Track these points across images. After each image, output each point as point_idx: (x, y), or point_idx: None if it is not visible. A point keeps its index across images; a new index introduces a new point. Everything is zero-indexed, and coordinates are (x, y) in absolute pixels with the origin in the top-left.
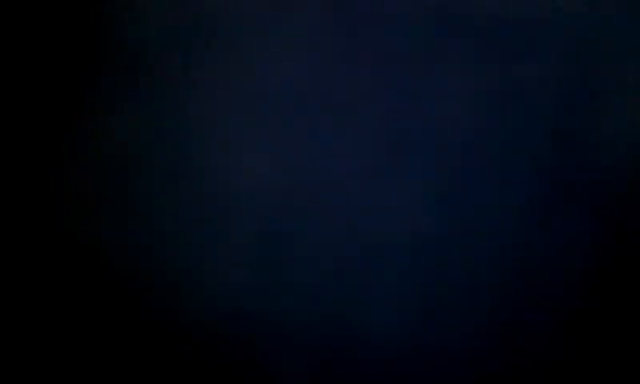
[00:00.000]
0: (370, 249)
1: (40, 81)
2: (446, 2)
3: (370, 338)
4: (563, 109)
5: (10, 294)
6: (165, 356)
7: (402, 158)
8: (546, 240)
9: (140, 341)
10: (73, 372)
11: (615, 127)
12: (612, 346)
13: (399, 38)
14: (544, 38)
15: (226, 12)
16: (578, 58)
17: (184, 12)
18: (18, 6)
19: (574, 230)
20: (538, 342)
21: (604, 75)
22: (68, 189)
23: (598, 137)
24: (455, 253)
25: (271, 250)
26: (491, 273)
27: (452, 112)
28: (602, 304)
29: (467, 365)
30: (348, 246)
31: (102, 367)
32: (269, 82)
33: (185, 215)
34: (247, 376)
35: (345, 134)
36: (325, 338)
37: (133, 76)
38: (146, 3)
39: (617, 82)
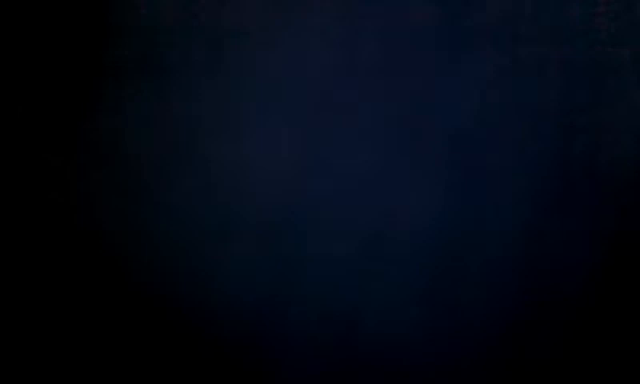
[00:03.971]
0: (371, 248)
1: (42, 80)
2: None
3: (375, 337)
4: (571, 104)
5: (11, 294)
6: (167, 354)
7: (405, 158)
8: (554, 237)
9: (141, 339)
10: (73, 372)
11: (623, 123)
12: (617, 345)
13: (403, 34)
14: (548, 34)
15: (229, 12)
16: (584, 55)
17: (186, 12)
18: (20, 5)
19: (581, 226)
20: (544, 341)
21: (610, 72)
22: (69, 187)
23: (605, 133)
24: (459, 252)
25: (274, 249)
26: (496, 272)
27: (456, 111)
28: (607, 301)
29: (471, 363)
30: (351, 246)
31: (102, 366)
32: (272, 80)
33: (186, 215)
34: (248, 374)
35: (348, 132)
36: (328, 337)
37: (137, 74)
38: (150, 3)
39: (623, 79)
